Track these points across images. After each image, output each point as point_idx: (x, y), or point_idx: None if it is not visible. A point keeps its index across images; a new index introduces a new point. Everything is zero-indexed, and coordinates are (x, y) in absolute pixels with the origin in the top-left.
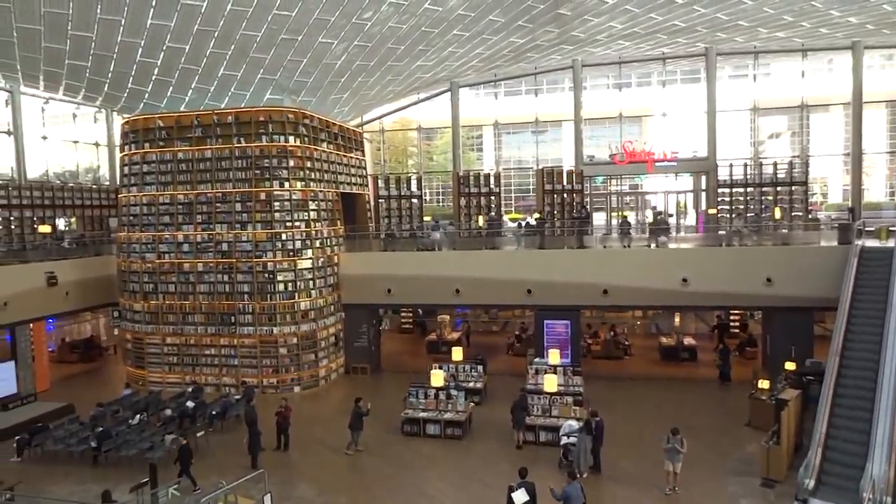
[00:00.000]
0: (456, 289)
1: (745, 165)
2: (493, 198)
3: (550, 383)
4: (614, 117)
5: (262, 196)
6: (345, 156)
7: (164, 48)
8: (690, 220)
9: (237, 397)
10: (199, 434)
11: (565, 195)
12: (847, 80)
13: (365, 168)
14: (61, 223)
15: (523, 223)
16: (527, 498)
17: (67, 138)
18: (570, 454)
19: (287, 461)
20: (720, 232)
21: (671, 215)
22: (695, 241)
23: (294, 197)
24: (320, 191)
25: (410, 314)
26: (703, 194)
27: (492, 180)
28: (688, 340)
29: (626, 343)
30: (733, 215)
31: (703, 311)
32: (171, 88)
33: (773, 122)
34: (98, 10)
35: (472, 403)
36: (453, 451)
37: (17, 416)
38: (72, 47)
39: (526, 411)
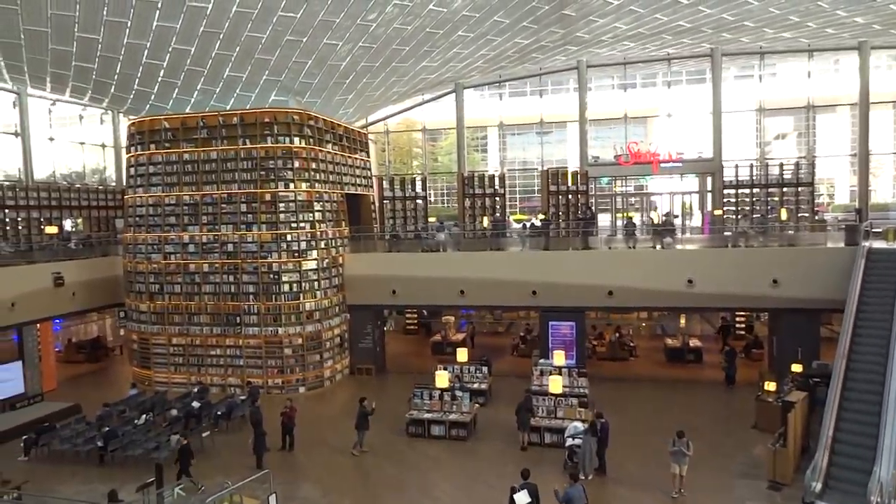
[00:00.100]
0: (461, 290)
1: (751, 166)
2: (497, 199)
3: (555, 385)
4: (619, 118)
5: (268, 197)
6: (350, 157)
7: (170, 50)
8: (696, 221)
9: (242, 398)
10: (204, 434)
11: (570, 196)
12: (854, 80)
13: (370, 169)
14: (68, 224)
15: (528, 224)
16: (529, 499)
17: (74, 140)
18: (575, 456)
19: (292, 462)
20: (726, 233)
21: (676, 216)
22: (700, 242)
23: (299, 198)
24: (325, 192)
25: (415, 315)
26: (709, 195)
27: (496, 181)
28: (693, 342)
29: (632, 344)
30: (739, 216)
31: (709, 312)
32: (176, 90)
33: (779, 122)
34: (104, 12)
35: (476, 404)
36: (458, 452)
37: (24, 416)
38: (78, 49)
39: (531, 412)
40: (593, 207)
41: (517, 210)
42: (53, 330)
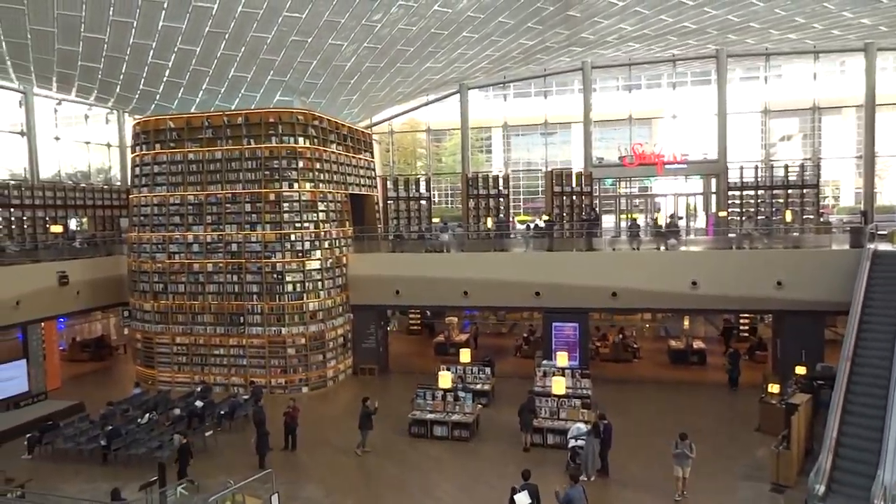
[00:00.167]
0: (464, 290)
1: (756, 168)
2: (501, 200)
3: (558, 386)
4: (624, 119)
5: (272, 197)
6: (354, 157)
7: (176, 50)
8: (700, 222)
9: (245, 397)
10: (207, 434)
11: (574, 197)
12: (860, 82)
13: (374, 169)
14: (73, 223)
15: (532, 225)
16: (529, 500)
17: (79, 139)
18: (578, 457)
19: (295, 461)
20: (730, 235)
21: (681, 218)
22: (705, 243)
23: (303, 198)
24: (329, 192)
25: (418, 315)
26: (714, 197)
27: (500, 182)
28: (697, 344)
29: (635, 346)
30: (744, 218)
31: (713, 314)
32: (181, 90)
33: (785, 124)
34: (110, 13)
35: (479, 405)
36: (460, 452)
37: (29, 414)
38: (84, 49)
39: (534, 413)
40: (597, 209)
41: (521, 211)
42: (58, 328)
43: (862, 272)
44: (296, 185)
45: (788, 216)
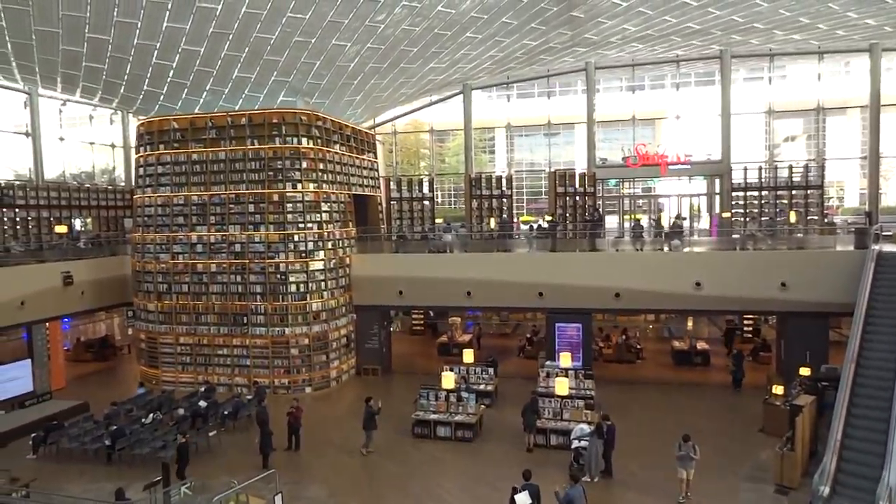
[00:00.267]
0: (467, 291)
1: (760, 169)
2: (504, 200)
3: (562, 386)
4: (627, 120)
5: (275, 197)
6: (357, 158)
7: (180, 50)
8: (704, 223)
9: (249, 397)
10: (210, 433)
11: (577, 198)
12: (865, 82)
13: (377, 170)
14: (77, 223)
15: (535, 226)
16: (529, 501)
17: (84, 140)
18: (581, 458)
19: (298, 461)
20: (734, 236)
21: (685, 218)
22: (708, 244)
23: (306, 198)
24: (332, 192)
25: (422, 316)
26: (717, 198)
27: (504, 183)
28: (701, 345)
29: (638, 347)
30: (747, 219)
31: (717, 315)
32: (185, 90)
33: (789, 125)
34: (115, 14)
35: (482, 406)
36: (464, 453)
37: (33, 414)
38: (89, 50)
39: (537, 414)
40: (601, 209)
41: (524, 211)
42: (62, 329)
43: (866, 273)
44: (299, 186)
45: (792, 217)
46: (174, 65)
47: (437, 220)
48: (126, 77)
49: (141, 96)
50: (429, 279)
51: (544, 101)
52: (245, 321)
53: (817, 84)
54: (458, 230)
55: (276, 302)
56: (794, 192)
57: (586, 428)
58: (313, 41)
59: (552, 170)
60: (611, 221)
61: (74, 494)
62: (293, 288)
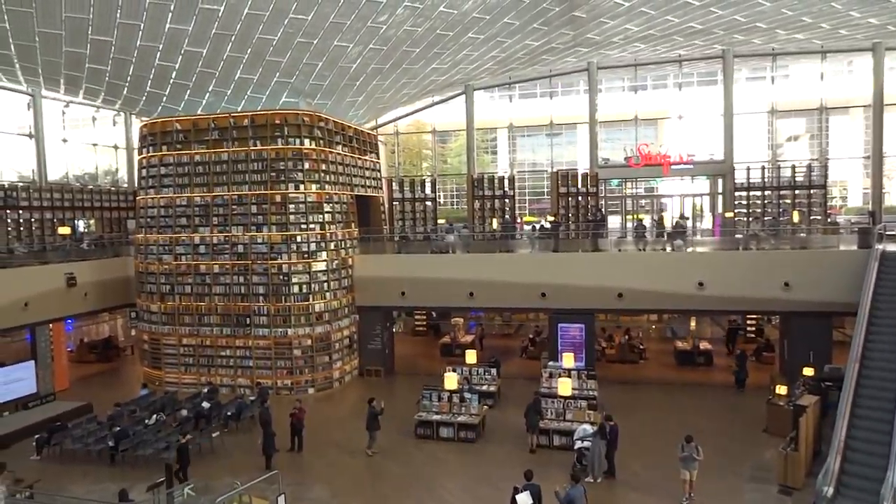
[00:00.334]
0: (470, 292)
1: (763, 168)
2: (507, 201)
3: (564, 387)
4: (630, 120)
5: (278, 198)
6: (359, 158)
7: (182, 52)
8: (707, 223)
9: (252, 398)
10: (214, 434)
11: (580, 198)
12: (868, 82)
13: (379, 171)
14: (80, 225)
15: (537, 226)
16: (530, 501)
17: (87, 141)
18: (584, 458)
19: (301, 462)
20: (737, 235)
21: (687, 219)
22: (711, 244)
23: (309, 199)
24: (335, 193)
25: (424, 317)
26: (720, 197)
27: (506, 183)
28: (703, 345)
29: (641, 347)
30: (750, 219)
31: (719, 315)
32: (188, 92)
33: (792, 124)
34: (118, 15)
35: (485, 406)
36: (466, 454)
37: (37, 415)
38: (92, 51)
39: (540, 415)
40: (603, 209)
41: (527, 212)
42: (66, 330)
43: (870, 273)
44: (302, 187)
45: (796, 217)
46: (177, 66)
47: (440, 221)
48: (129, 78)
49: (144, 97)
50: (431, 280)
51: (546, 101)
52: (248, 322)
53: (820, 83)
54: (461, 231)
55: (279, 303)
56: (797, 191)
57: (589, 428)
58: (315, 42)
59: (554, 170)
60: (613, 222)
61: (78, 495)
62: (296, 289)
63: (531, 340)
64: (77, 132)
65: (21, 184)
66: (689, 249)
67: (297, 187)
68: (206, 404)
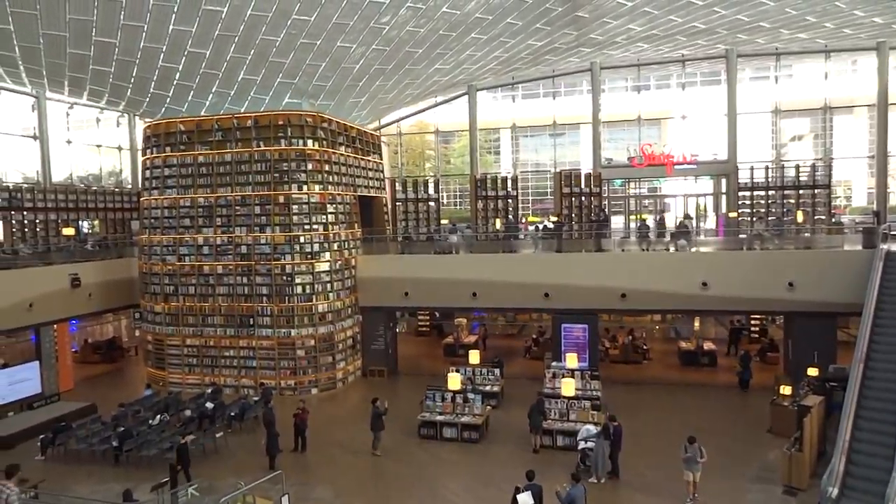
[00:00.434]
0: (473, 292)
1: (767, 168)
2: (510, 201)
3: (568, 387)
4: (633, 120)
5: (281, 199)
6: (362, 159)
7: (186, 53)
8: (710, 223)
9: (255, 399)
10: (217, 435)
11: (583, 198)
12: (872, 81)
13: (382, 171)
14: (84, 226)
15: (541, 226)
16: (531, 501)
17: (91, 142)
18: (588, 459)
19: (304, 463)
20: (741, 235)
21: (691, 218)
22: (715, 244)
23: (312, 200)
24: (338, 194)
25: (427, 317)
26: (724, 197)
27: (509, 183)
28: (707, 345)
29: (645, 347)
30: (754, 219)
31: (723, 315)
32: (192, 93)
33: (796, 124)
34: (121, 17)
35: (489, 407)
36: (470, 454)
37: (41, 416)
38: (96, 53)
39: (543, 415)
40: (606, 209)
41: (530, 212)
42: (70, 330)
43: (875, 273)
44: (305, 188)
45: (800, 217)
46: (180, 67)
47: (443, 221)
48: (132, 80)
49: (147, 99)
50: (434, 280)
51: (549, 101)
52: (251, 323)
53: (824, 83)
54: (464, 231)
55: (283, 303)
56: (801, 191)
57: (593, 429)
58: (318, 43)
59: (557, 170)
60: (616, 222)
61: (82, 495)
62: (299, 289)
63: (534, 341)
64: (81, 133)
65: (25, 185)
66: (693, 249)
67: (300, 188)
68: (209, 405)
